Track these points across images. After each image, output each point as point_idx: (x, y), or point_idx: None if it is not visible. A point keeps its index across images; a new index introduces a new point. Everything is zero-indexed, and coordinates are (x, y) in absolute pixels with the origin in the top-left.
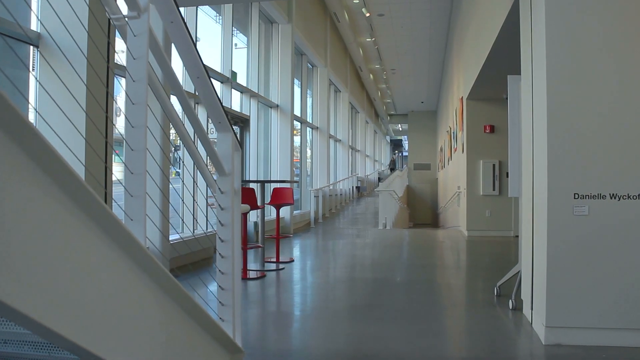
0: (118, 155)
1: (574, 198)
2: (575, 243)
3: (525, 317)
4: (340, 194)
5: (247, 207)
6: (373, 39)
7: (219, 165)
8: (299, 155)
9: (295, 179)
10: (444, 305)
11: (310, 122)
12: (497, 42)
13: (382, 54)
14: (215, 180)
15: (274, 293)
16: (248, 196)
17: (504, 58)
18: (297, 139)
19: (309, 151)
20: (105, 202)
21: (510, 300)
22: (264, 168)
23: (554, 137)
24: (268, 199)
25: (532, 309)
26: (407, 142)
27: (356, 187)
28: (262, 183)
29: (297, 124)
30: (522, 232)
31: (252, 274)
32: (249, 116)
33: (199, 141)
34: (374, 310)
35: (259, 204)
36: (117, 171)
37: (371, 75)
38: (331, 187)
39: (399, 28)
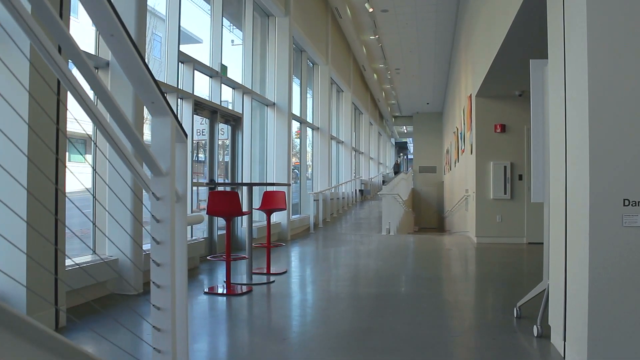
0: (82, 154)
1: (624, 205)
2: (625, 260)
3: (555, 348)
4: (343, 198)
5: (199, 217)
6: (377, 36)
7: (151, 161)
8: (299, 156)
9: (296, 181)
10: (454, 330)
11: (311, 122)
12: (514, 27)
13: (386, 53)
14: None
15: (257, 313)
16: (231, 201)
17: (521, 45)
18: (297, 141)
19: (309, 151)
20: (57, 207)
21: (535, 326)
22: (259, 170)
23: (597, 132)
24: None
25: (564, 340)
26: (412, 144)
27: (359, 190)
28: (250, 186)
29: (299, 125)
30: (550, 245)
31: (236, 289)
32: (242, 114)
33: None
34: (372, 336)
35: (245, 209)
36: (79, 172)
37: (375, 75)
38: (332, 191)
39: (403, 25)
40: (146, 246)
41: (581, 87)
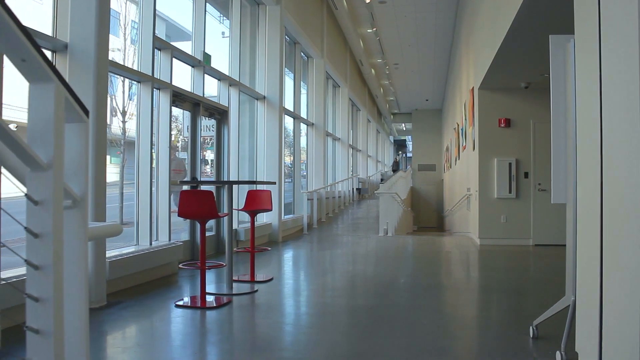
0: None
1: None
2: None
3: None
4: (339, 196)
5: (111, 228)
6: (374, 29)
7: (19, 148)
8: (293, 153)
9: (288, 180)
10: (460, 357)
11: (305, 118)
12: (524, 8)
13: (384, 47)
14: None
15: (231, 331)
16: (203, 201)
17: (531, 30)
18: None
19: (303, 148)
20: None
21: (558, 352)
22: (248, 168)
23: None
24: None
25: None
26: (411, 142)
27: (357, 188)
28: (230, 184)
29: (293, 121)
30: (578, 253)
31: (213, 301)
32: (229, 107)
33: None
34: None
35: (223, 210)
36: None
37: (373, 70)
38: (328, 189)
39: (402, 17)
40: (110, 252)
41: (628, 68)
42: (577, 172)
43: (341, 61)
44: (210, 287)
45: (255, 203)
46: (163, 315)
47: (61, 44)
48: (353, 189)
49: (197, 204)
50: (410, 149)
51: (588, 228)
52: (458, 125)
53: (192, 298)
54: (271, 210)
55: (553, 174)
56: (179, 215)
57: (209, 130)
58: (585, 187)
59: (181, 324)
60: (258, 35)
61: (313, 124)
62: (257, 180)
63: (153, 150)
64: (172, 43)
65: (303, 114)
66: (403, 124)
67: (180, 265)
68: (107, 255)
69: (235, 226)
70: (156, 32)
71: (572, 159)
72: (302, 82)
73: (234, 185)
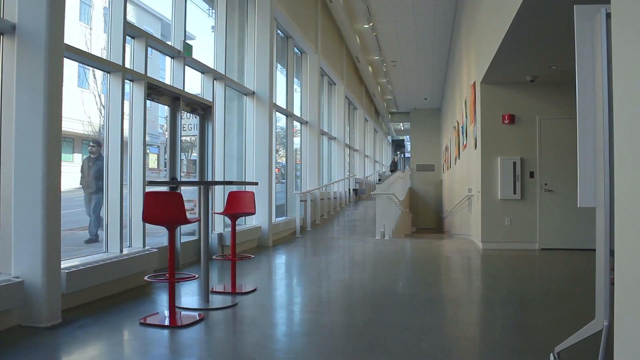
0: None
1: None
2: None
3: None
4: (335, 197)
5: None
6: (371, 24)
7: None
8: (286, 152)
9: (283, 180)
10: None
11: (299, 115)
12: None
13: (382, 43)
14: None
15: (200, 356)
16: (170, 204)
17: (538, 16)
18: (296, 140)
19: (296, 147)
20: None
21: None
22: (237, 168)
23: None
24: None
25: None
26: (409, 142)
27: (353, 189)
28: (205, 185)
29: (285, 119)
30: (617, 268)
31: (184, 317)
32: (214, 102)
33: None
34: None
35: (196, 214)
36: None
37: (370, 68)
38: (323, 190)
39: (399, 12)
40: (65, 263)
41: None
42: (613, 171)
43: (337, 58)
44: (188, 299)
45: (236, 206)
46: (123, 336)
47: (8, 24)
48: (350, 189)
49: (163, 207)
50: (409, 149)
51: (633, 236)
52: (458, 123)
53: (161, 314)
54: (254, 213)
55: (579, 174)
56: (143, 220)
57: (193, 127)
58: (627, 187)
59: (143, 347)
60: (247, 27)
61: (307, 122)
62: (244, 180)
63: (126, 148)
64: (168, 42)
65: (297, 112)
66: (401, 124)
67: (145, 278)
68: (63, 266)
69: (221, 230)
70: (154, 31)
71: (605, 155)
72: (295, 79)
73: (220, 187)
